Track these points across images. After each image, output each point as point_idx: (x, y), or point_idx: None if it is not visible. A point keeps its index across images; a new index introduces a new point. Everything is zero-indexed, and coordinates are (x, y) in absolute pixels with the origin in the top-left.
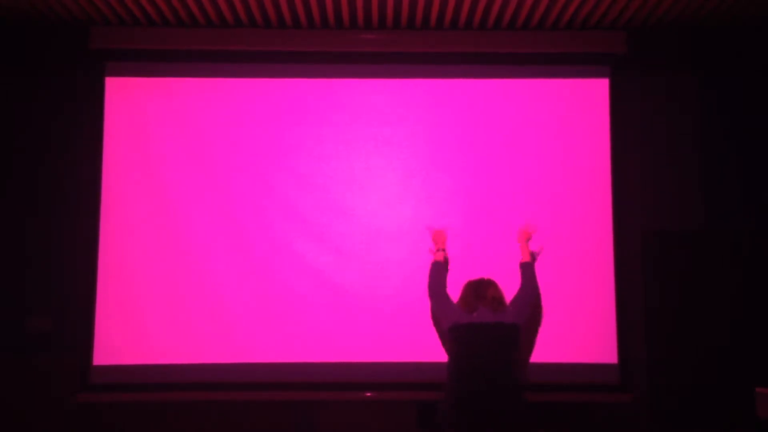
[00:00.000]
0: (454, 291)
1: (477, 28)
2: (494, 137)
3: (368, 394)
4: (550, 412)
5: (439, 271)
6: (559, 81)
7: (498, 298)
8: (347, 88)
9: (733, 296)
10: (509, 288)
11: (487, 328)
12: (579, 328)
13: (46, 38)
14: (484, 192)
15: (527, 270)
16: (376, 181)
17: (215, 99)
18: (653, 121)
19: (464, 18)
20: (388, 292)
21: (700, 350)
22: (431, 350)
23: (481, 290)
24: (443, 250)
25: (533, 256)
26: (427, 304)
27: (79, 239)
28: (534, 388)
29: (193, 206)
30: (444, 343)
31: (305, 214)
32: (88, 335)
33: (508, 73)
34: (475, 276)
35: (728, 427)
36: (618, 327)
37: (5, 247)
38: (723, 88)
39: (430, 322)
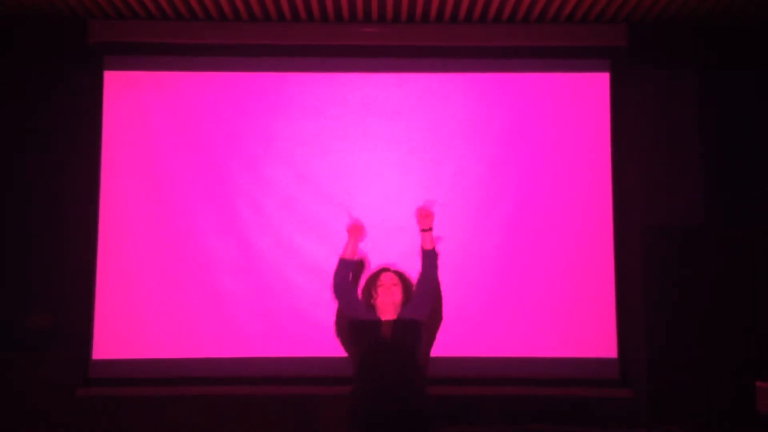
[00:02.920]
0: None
1: (477, 21)
2: (494, 131)
3: None
4: (551, 406)
5: (345, 267)
6: (560, 75)
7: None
8: (346, 82)
9: (733, 291)
10: (516, 283)
11: (386, 328)
12: (579, 323)
13: (44, 32)
14: (483, 186)
15: (430, 259)
16: (375, 175)
17: (214, 93)
18: (654, 116)
19: (464, 11)
20: None
21: (699, 345)
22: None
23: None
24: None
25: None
26: None
27: (79, 233)
28: (534, 382)
29: (192, 201)
30: (344, 341)
31: (304, 208)
32: (88, 330)
33: (508, 67)
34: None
35: (728, 421)
36: (618, 322)
37: (5, 242)
38: (724, 82)
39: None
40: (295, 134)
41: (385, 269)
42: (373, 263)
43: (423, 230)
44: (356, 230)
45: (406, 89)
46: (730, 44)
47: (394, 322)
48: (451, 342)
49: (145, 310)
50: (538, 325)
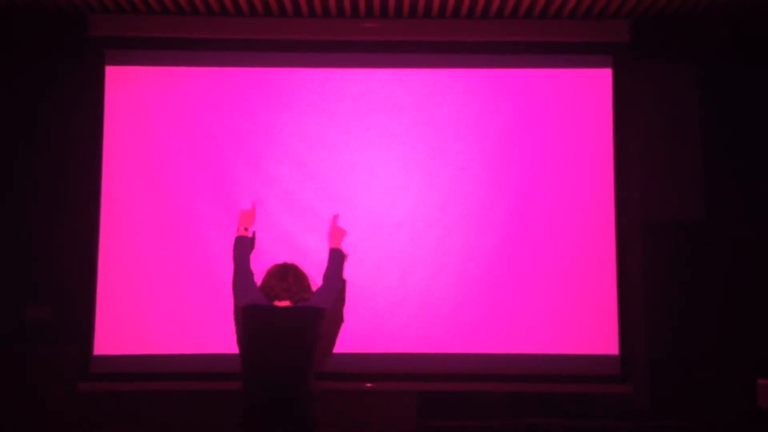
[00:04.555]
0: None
1: (479, 17)
2: (496, 127)
3: (368, 385)
4: (551, 402)
5: (243, 245)
6: (562, 71)
7: (300, 286)
8: (348, 77)
9: (734, 286)
10: (517, 279)
11: (283, 314)
12: (580, 319)
13: (44, 26)
14: (485, 183)
15: (337, 258)
16: (376, 171)
17: (215, 88)
18: (656, 111)
19: (466, 7)
20: (389, 283)
21: (700, 341)
22: (431, 341)
23: (284, 277)
24: (246, 229)
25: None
26: (427, 294)
27: (80, 228)
28: (534, 378)
29: (193, 196)
30: (236, 324)
31: (305, 204)
32: (89, 325)
33: (511, 63)
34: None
35: (729, 418)
36: (619, 318)
37: (6, 237)
38: (726, 78)
39: (431, 312)
40: (297, 130)
41: (288, 268)
42: (374, 260)
43: (332, 233)
44: (247, 216)
45: (407, 85)
46: (733, 39)
47: (291, 310)
48: (452, 338)
49: (146, 305)
50: (539, 322)
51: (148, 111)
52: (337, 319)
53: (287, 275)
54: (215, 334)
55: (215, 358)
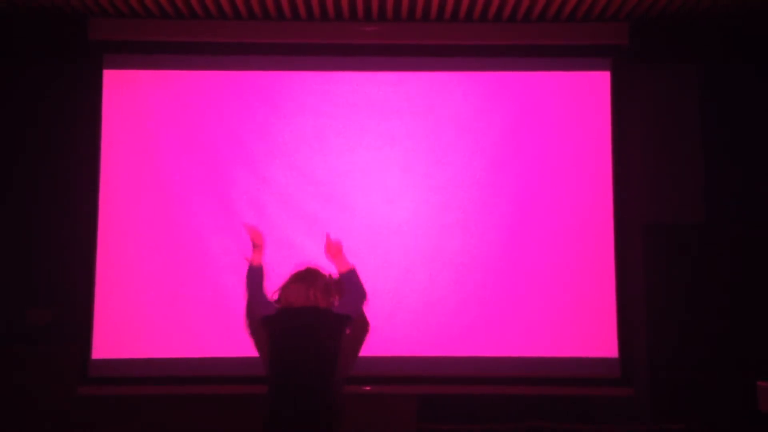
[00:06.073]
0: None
1: (478, 20)
2: (494, 130)
3: (367, 388)
4: (551, 405)
5: (256, 272)
6: (561, 74)
7: (327, 294)
8: (347, 80)
9: (735, 288)
10: (516, 282)
11: (302, 313)
12: (580, 322)
13: (44, 30)
14: (484, 186)
15: (352, 277)
16: (375, 174)
17: (214, 91)
18: (655, 114)
19: (465, 10)
20: (388, 286)
21: (701, 343)
22: (431, 344)
23: (310, 287)
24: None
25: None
26: (426, 297)
27: (79, 231)
28: (534, 381)
29: (192, 200)
30: (258, 342)
31: (305, 208)
32: (88, 328)
33: (510, 66)
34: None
35: (730, 420)
36: (619, 320)
37: (5, 239)
38: (726, 79)
39: (430, 315)
40: (295, 133)
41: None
42: (373, 263)
43: (333, 256)
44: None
45: (406, 88)
46: (733, 41)
47: (309, 310)
48: (451, 342)
49: (145, 309)
50: (539, 324)
51: (147, 114)
52: (361, 333)
53: (315, 284)
54: (214, 338)
55: (214, 362)
